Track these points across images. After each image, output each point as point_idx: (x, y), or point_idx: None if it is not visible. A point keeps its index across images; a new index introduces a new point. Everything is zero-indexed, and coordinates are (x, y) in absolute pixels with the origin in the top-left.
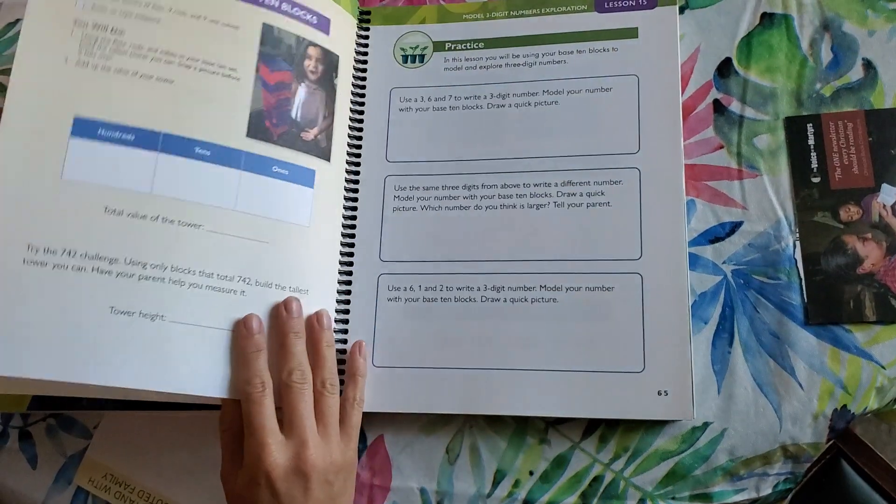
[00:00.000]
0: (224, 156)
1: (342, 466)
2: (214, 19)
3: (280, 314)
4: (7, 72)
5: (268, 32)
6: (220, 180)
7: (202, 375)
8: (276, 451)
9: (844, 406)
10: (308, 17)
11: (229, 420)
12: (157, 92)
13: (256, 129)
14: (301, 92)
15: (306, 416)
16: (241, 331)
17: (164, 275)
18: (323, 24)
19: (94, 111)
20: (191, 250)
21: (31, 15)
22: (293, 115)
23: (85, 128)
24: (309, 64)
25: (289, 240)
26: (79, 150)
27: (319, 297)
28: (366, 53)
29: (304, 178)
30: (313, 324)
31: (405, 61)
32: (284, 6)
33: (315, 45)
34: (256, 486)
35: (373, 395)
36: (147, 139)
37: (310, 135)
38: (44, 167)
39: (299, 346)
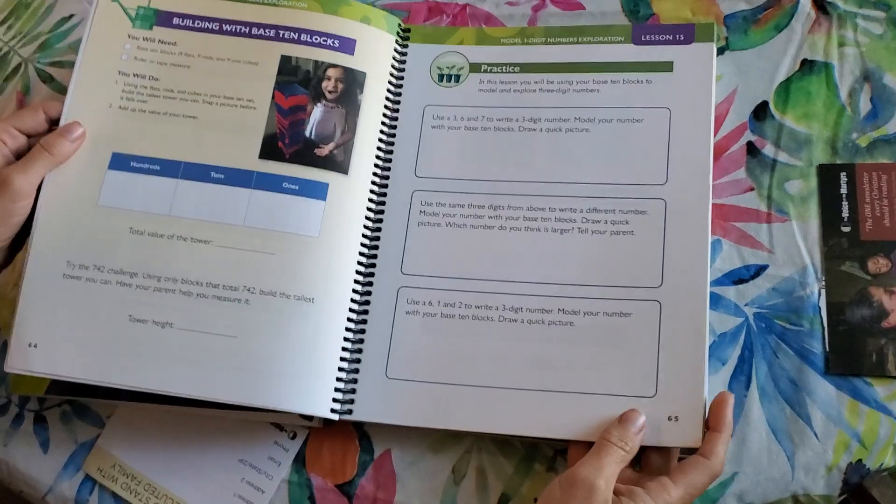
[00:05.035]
0: (236, 177)
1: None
2: (236, 59)
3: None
4: (60, 64)
5: (285, 63)
6: (232, 200)
7: (204, 378)
8: None
9: (860, 460)
10: (329, 42)
11: None
12: (183, 127)
13: (269, 150)
14: (317, 112)
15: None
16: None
17: (174, 287)
18: (347, 47)
19: (129, 147)
20: (200, 264)
21: (84, 65)
22: (307, 133)
23: (120, 162)
24: (328, 84)
25: (295, 250)
26: (113, 181)
27: (327, 305)
28: (403, 70)
29: (316, 191)
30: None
31: (441, 80)
32: (304, 37)
33: (336, 66)
34: None
35: (384, 407)
36: (170, 168)
37: (324, 150)
38: (83, 195)
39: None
